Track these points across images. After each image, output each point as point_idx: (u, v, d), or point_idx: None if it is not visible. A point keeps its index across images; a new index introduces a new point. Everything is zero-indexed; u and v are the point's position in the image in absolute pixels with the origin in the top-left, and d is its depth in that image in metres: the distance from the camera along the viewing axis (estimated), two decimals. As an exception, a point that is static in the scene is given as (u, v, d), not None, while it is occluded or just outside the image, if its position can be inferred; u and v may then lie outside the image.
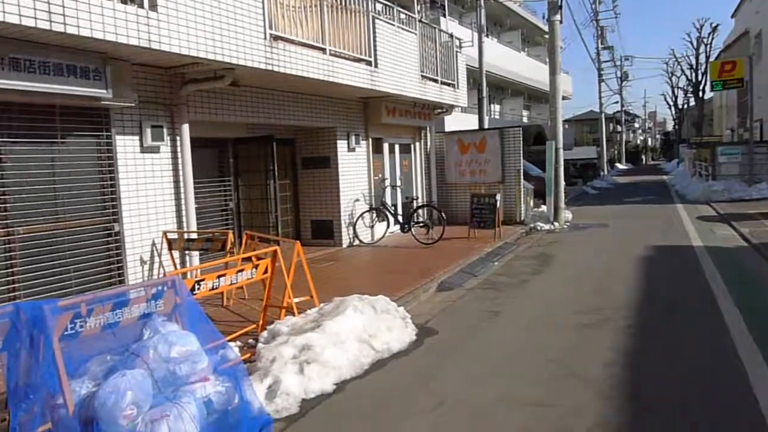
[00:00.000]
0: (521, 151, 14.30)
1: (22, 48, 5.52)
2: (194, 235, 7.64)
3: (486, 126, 16.77)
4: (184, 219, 7.91)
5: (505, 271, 9.19)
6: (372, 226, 12.17)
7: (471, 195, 12.52)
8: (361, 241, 11.82)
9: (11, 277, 6.13)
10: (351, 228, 11.72)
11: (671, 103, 56.61)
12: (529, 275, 8.84)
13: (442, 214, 11.20)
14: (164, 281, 4.32)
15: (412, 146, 14.55)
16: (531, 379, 4.72)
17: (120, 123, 7.10)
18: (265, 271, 5.60)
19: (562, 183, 14.46)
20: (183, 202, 7.89)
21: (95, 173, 6.88)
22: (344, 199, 11.55)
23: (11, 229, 6.10)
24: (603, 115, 42.92)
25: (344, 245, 11.60)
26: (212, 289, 4.94)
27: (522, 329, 6.12)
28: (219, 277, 5.00)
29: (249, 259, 5.87)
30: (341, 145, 11.47)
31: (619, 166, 53.02)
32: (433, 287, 7.99)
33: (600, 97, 43.26)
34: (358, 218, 11.77)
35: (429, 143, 14.89)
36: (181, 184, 7.86)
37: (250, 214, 10.35)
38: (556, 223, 14.20)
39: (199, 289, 4.79)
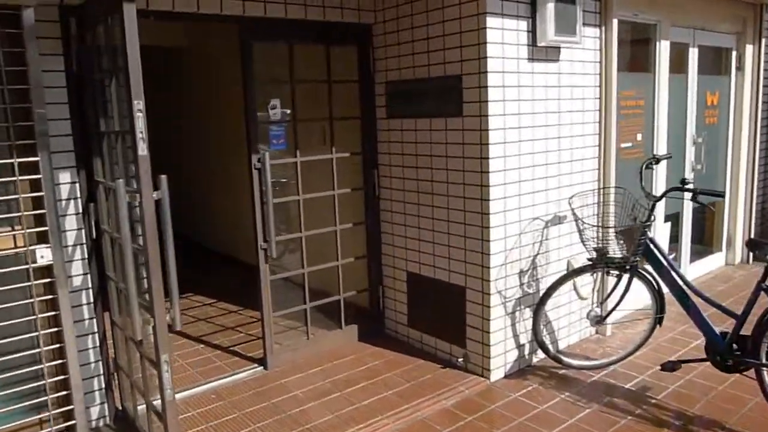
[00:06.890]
0: None
1: None
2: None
3: None
4: None
5: None
6: (601, 318, 3.66)
7: None
8: (560, 359, 3.53)
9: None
10: (534, 316, 3.50)
11: None
12: None
13: None
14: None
15: (734, 55, 5.46)
16: None
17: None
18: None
19: None
20: None
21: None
22: (500, 219, 3.32)
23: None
24: None
25: (495, 374, 3.41)
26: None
27: None
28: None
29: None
30: (496, 42, 3.19)
31: None
32: None
33: None
34: (556, 286, 3.46)
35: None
36: None
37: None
38: None
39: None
